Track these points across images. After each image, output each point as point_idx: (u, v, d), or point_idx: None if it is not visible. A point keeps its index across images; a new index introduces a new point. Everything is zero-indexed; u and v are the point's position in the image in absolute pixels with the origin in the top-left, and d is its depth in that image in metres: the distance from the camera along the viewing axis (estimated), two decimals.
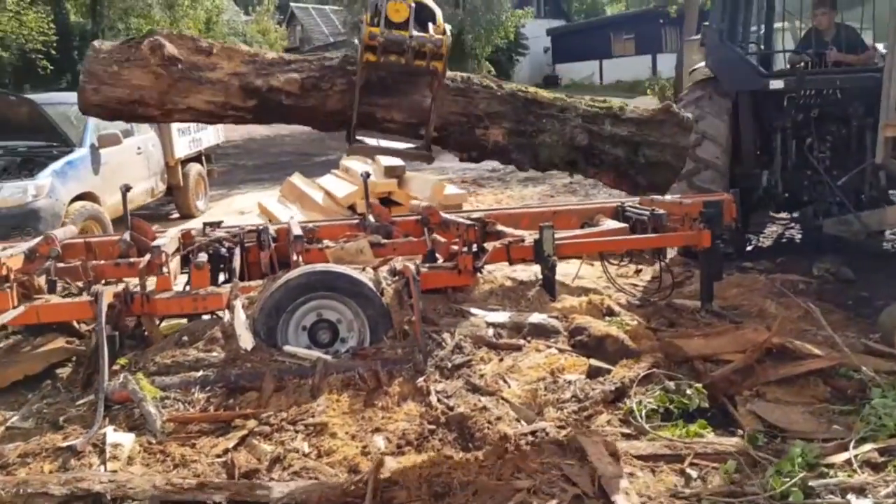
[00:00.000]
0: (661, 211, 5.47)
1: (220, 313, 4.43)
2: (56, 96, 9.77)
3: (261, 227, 4.99)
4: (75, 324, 4.58)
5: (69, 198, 7.91)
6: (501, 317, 4.51)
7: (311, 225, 5.39)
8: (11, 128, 8.23)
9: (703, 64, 7.54)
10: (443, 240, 5.11)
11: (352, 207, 7.72)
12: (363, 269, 4.47)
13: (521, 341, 4.33)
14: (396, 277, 4.46)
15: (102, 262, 4.83)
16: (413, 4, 3.72)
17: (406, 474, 3.08)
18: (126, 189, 5.07)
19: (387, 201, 7.82)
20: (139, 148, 9.64)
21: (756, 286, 5.77)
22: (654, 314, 5.06)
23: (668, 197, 5.81)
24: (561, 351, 4.27)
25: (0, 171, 7.90)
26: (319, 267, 4.25)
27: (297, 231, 4.70)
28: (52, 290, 4.50)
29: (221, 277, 4.86)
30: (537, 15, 40.74)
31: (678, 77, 17.95)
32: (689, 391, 3.76)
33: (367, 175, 5.65)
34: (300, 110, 3.86)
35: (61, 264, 4.76)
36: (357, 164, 9.26)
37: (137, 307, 4.27)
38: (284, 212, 8.73)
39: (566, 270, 6.71)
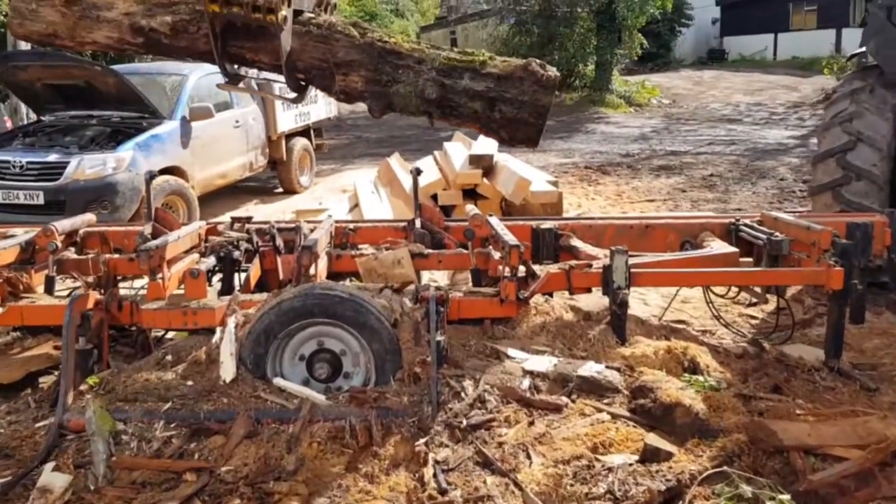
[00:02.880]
0: (782, 236, 4.35)
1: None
2: (155, 66, 9.55)
3: (274, 228, 4.34)
4: None
5: None
6: (544, 363, 3.62)
7: (351, 226, 4.69)
8: (102, 98, 8.01)
9: (864, 48, 6.16)
10: (497, 255, 4.26)
11: (434, 198, 6.95)
12: (380, 291, 3.71)
13: (564, 399, 3.43)
14: (418, 305, 3.67)
15: (116, 256, 4.37)
16: None
17: None
18: (150, 176, 4.56)
19: (472, 194, 7.00)
20: (237, 121, 9.29)
21: None
22: (754, 371, 3.95)
23: (789, 217, 4.64)
24: (614, 417, 3.34)
25: (88, 142, 7.71)
26: (319, 288, 3.53)
27: (308, 239, 3.98)
28: (49, 288, 4.06)
29: (238, 286, 4.25)
30: None
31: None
32: (769, 503, 2.77)
33: (418, 171, 4.84)
34: (178, 48, 4.00)
35: (74, 256, 4.35)
36: (457, 148, 8.48)
37: (126, 317, 3.75)
38: (371, 197, 8.12)
39: (668, 290, 5.66)
